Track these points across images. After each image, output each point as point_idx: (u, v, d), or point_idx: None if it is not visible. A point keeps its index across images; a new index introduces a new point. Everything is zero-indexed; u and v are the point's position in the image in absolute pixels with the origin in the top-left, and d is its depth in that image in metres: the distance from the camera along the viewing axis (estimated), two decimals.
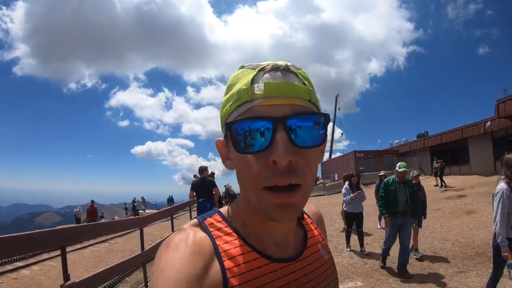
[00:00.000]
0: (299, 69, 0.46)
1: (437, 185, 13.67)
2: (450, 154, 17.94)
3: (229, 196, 11.67)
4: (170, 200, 24.95)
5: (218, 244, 0.45)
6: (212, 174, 7.58)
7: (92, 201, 15.20)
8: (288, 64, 0.44)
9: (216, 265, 0.42)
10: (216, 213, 0.50)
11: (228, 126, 0.42)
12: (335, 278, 0.57)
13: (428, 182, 14.73)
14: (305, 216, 0.60)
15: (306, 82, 0.44)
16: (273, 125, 0.39)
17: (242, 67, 0.47)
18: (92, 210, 14.83)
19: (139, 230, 4.22)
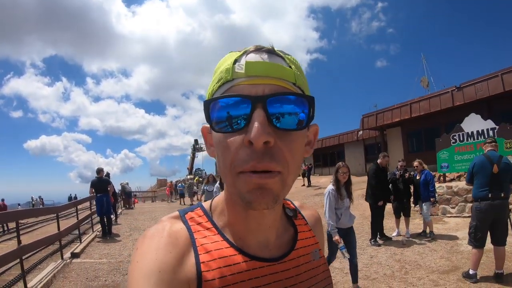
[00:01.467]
0: (287, 54, 0.44)
1: (304, 185, 16.00)
2: (329, 157, 21.05)
3: (125, 193, 14.12)
4: (72, 199, 22.88)
5: (196, 238, 0.44)
6: (108, 174, 8.90)
7: (3, 200, 15.68)
8: (275, 47, 0.43)
9: (191, 258, 0.42)
10: (199, 207, 0.50)
11: (206, 104, 0.40)
12: (327, 284, 0.54)
13: (318, 179, 17.48)
14: (299, 217, 0.58)
15: (292, 66, 0.42)
16: (251, 104, 0.38)
17: (231, 51, 0.45)
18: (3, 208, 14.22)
19: None
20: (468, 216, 5.84)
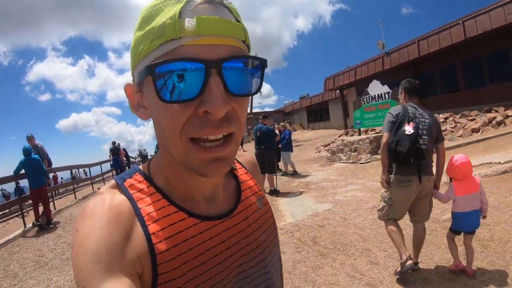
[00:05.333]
0: (230, 3, 0.38)
1: None
2: (318, 113, 23.39)
3: (141, 156, 16.55)
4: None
5: (140, 207, 0.40)
6: (119, 144, 12.81)
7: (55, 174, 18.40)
8: None
9: (139, 230, 0.38)
10: (137, 172, 0.45)
11: (150, 69, 0.34)
12: (274, 229, 0.54)
13: (304, 134, 20.12)
14: (238, 166, 0.55)
15: (239, 19, 0.38)
16: (206, 69, 0.33)
17: None
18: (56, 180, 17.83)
19: None
20: (352, 162, 8.64)
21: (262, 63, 0.38)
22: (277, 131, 7.64)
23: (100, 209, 0.38)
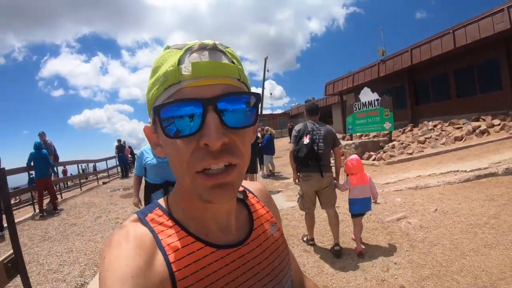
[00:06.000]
0: (227, 47, 0.44)
1: (290, 142, 19.76)
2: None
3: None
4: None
5: (161, 239, 0.44)
6: (124, 142, 13.85)
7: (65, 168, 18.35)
8: (216, 42, 0.42)
9: (160, 258, 0.41)
10: (157, 207, 0.49)
11: (156, 110, 0.39)
12: (287, 254, 0.56)
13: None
14: (250, 195, 0.58)
15: (234, 61, 0.43)
16: (203, 107, 0.38)
17: (168, 47, 0.44)
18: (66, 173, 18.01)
19: None
20: None
21: (257, 97, 0.42)
22: (258, 134, 8.25)
23: (125, 239, 0.42)
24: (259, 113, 0.43)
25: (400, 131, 10.73)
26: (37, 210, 6.20)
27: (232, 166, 0.40)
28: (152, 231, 0.44)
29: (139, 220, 0.47)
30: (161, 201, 0.51)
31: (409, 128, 10.76)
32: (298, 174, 3.26)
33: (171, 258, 0.42)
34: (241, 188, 0.58)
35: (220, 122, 0.39)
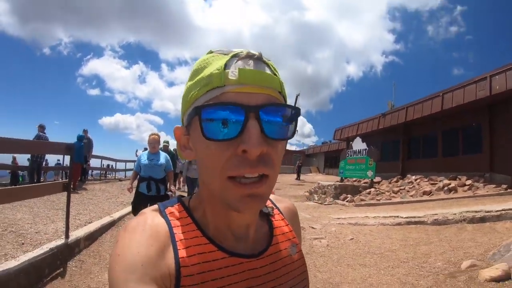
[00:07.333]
0: (269, 60, 0.44)
1: (297, 178, 20.37)
2: (333, 160, 24.59)
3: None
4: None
5: (175, 233, 0.44)
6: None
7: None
8: (262, 53, 0.43)
9: (170, 252, 0.42)
10: (179, 203, 0.49)
11: (198, 110, 0.39)
12: (304, 278, 0.54)
13: (314, 177, 21.68)
14: (276, 212, 0.58)
15: (277, 73, 0.44)
16: (245, 114, 0.38)
17: (211, 52, 0.44)
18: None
19: None
20: (320, 203, 9.89)
21: (297, 111, 0.43)
22: None
23: (141, 227, 0.43)
24: (297, 128, 0.44)
25: (389, 181, 11.41)
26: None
27: (265, 177, 0.40)
28: (168, 223, 0.45)
29: (158, 210, 0.48)
30: (185, 199, 0.51)
31: (395, 180, 11.41)
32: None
33: (181, 253, 0.42)
34: (269, 204, 0.58)
35: (260, 130, 0.39)
